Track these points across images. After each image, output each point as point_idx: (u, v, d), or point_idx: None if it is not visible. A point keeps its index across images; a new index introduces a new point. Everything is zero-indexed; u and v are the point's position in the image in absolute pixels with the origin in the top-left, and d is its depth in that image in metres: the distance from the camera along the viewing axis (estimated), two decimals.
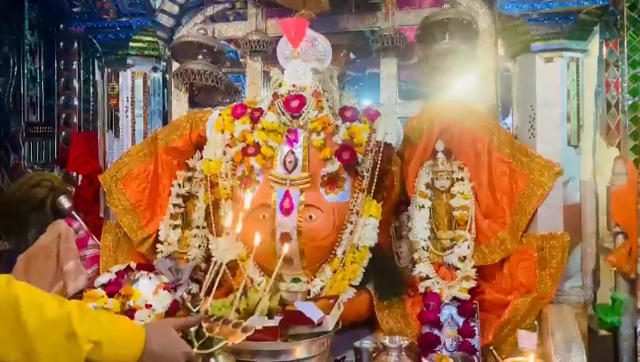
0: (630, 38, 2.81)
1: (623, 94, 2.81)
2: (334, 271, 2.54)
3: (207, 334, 1.71)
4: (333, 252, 2.56)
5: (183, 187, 3.00)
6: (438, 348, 2.47)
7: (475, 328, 2.48)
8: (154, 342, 1.53)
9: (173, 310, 2.69)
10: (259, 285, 2.60)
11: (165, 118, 3.41)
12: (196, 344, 1.68)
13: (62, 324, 1.39)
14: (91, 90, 4.25)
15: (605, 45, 2.85)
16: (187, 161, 3.03)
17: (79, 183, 3.70)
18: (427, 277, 2.65)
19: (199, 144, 2.95)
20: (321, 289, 2.54)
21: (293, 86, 2.61)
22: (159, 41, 3.32)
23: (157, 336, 1.55)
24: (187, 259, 2.90)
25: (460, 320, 2.51)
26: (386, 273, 2.69)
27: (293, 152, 2.52)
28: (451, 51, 2.78)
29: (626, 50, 2.81)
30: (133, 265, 2.90)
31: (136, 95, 3.31)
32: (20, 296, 1.38)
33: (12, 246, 3.41)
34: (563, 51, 2.70)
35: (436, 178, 2.74)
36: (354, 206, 2.56)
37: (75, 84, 4.30)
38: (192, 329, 1.70)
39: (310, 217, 2.48)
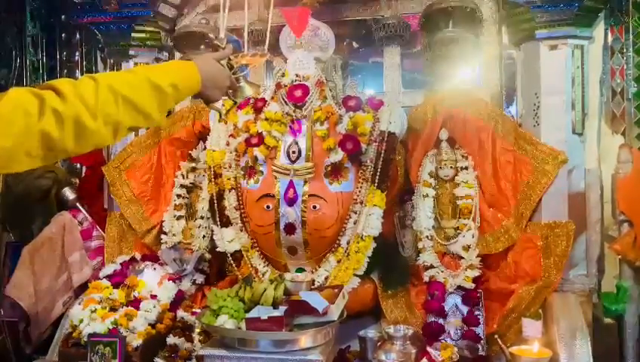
0: (635, 24, 2.79)
1: (628, 81, 2.80)
2: (339, 261, 2.55)
3: (233, 64, 1.95)
4: (337, 242, 2.56)
5: (187, 178, 3.01)
6: (442, 337, 2.47)
7: (480, 317, 2.49)
8: (204, 70, 1.72)
9: (178, 300, 2.70)
10: (263, 275, 2.60)
11: None
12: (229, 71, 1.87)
13: (145, 83, 1.55)
14: None
15: (610, 32, 2.83)
16: (190, 151, 3.03)
17: (83, 174, 3.69)
18: (431, 266, 2.65)
19: (202, 135, 2.95)
20: (326, 278, 2.54)
21: (297, 75, 2.60)
22: (161, 32, 3.30)
23: (204, 65, 1.73)
24: (192, 249, 2.91)
25: (465, 309, 2.52)
26: (391, 262, 2.69)
27: (296, 142, 2.51)
28: (455, 39, 2.76)
29: (631, 36, 2.79)
30: (137, 255, 2.91)
31: None
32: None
33: (17, 238, 3.42)
34: (567, 38, 2.68)
35: (440, 167, 2.74)
36: (358, 195, 2.55)
37: (78, 75, 4.28)
38: (224, 60, 1.90)
39: (314, 207, 2.49)
